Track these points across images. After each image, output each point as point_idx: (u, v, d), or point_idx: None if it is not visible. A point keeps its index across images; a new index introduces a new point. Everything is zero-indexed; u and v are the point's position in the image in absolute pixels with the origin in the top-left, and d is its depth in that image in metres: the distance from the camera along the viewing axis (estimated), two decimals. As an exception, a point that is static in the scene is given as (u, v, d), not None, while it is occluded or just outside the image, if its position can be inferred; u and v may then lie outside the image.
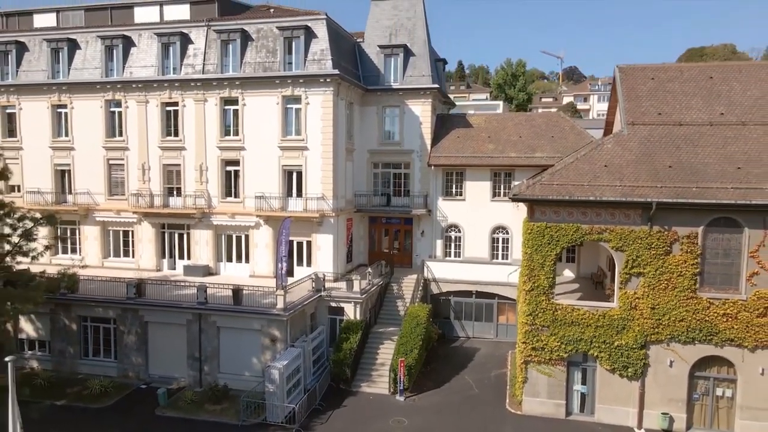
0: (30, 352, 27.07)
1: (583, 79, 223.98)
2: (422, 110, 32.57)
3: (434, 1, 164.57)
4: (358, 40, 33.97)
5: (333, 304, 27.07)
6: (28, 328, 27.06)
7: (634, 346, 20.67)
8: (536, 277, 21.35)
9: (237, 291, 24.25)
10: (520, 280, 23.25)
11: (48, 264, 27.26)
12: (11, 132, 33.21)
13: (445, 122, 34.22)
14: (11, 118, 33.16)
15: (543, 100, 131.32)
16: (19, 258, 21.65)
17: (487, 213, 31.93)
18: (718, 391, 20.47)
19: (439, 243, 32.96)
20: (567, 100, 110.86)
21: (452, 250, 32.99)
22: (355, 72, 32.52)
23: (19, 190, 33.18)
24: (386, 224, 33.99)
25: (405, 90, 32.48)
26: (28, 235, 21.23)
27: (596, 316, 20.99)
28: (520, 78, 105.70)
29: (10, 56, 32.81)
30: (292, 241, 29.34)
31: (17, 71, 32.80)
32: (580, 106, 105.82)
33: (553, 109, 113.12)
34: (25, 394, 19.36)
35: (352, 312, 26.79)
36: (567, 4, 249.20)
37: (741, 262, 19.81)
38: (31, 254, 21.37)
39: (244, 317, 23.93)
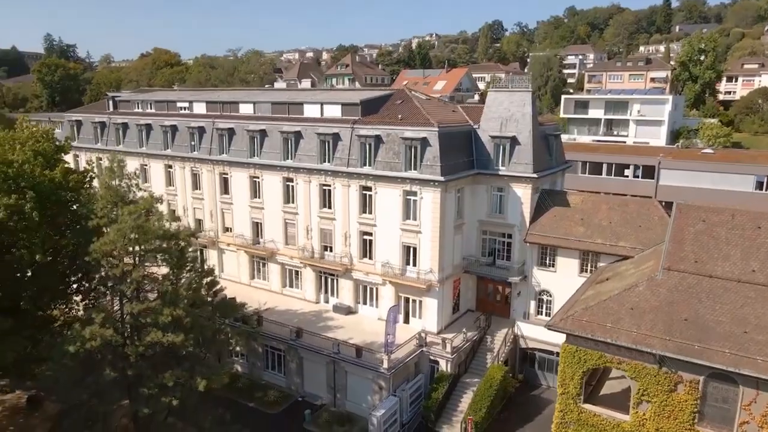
0: (236, 358, 40.94)
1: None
2: (523, 193, 38.22)
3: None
4: (474, 126, 40.11)
5: (431, 357, 35.96)
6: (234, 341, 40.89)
7: (640, 454, 26.16)
8: (567, 385, 27.60)
9: (359, 349, 34.49)
10: (557, 383, 29.39)
11: (248, 285, 41.61)
12: (226, 191, 46.89)
13: (549, 198, 39.23)
14: (226, 182, 46.74)
15: (746, 66, 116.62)
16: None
17: (575, 284, 36.80)
18: (710, 503, 25.16)
19: (533, 303, 39.28)
20: None
21: (543, 310, 39.09)
22: (469, 159, 39.09)
23: (231, 231, 47.23)
24: (491, 281, 41.01)
25: (509, 176, 38.33)
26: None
27: (612, 424, 26.71)
28: (709, 54, 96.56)
29: (224, 138, 45.89)
30: (409, 298, 38.75)
31: (229, 149, 45.87)
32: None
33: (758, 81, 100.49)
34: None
35: (444, 365, 35.44)
36: None
37: (736, 410, 23.82)
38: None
39: (362, 368, 34.18)
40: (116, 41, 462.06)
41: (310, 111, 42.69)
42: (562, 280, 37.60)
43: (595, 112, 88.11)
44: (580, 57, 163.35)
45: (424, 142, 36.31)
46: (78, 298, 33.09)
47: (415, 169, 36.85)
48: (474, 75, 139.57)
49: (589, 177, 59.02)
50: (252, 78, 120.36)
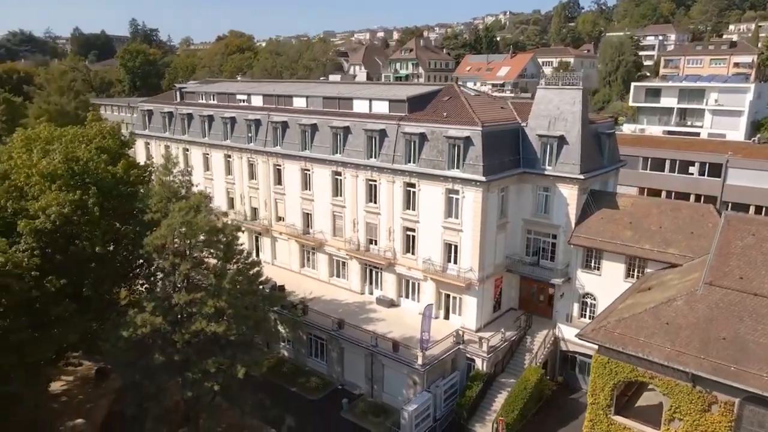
0: (282, 344, 42.97)
1: None
2: (569, 194, 37.37)
3: None
4: (522, 124, 39.41)
5: (468, 355, 36.31)
6: (281, 328, 42.90)
7: (669, 471, 25.57)
8: (597, 395, 27.25)
9: (396, 344, 35.39)
10: (588, 392, 28.98)
11: (298, 273, 43.67)
12: (279, 182, 48.75)
13: (597, 199, 38.16)
14: (279, 173, 48.55)
15: None
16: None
17: (620, 289, 35.79)
18: None
19: (576, 306, 38.59)
20: None
21: (587, 313, 38.33)
22: (515, 158, 38.55)
23: (283, 220, 49.18)
24: (534, 281, 40.55)
25: (555, 176, 37.54)
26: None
27: (642, 439, 26.24)
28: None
29: (278, 131, 47.55)
30: (450, 295, 39.18)
31: (282, 141, 47.52)
32: None
33: None
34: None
35: (480, 364, 35.72)
36: None
37: (773, 436, 22.81)
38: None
39: (397, 362, 35.09)
40: (197, 23, 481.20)
41: (359, 106, 43.42)
42: (606, 284, 36.70)
43: (668, 101, 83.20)
44: (660, 38, 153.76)
45: (468, 141, 36.21)
46: (140, 281, 35.90)
47: (458, 167, 36.88)
48: (541, 60, 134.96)
49: (650, 173, 56.29)
50: (315, 65, 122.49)
